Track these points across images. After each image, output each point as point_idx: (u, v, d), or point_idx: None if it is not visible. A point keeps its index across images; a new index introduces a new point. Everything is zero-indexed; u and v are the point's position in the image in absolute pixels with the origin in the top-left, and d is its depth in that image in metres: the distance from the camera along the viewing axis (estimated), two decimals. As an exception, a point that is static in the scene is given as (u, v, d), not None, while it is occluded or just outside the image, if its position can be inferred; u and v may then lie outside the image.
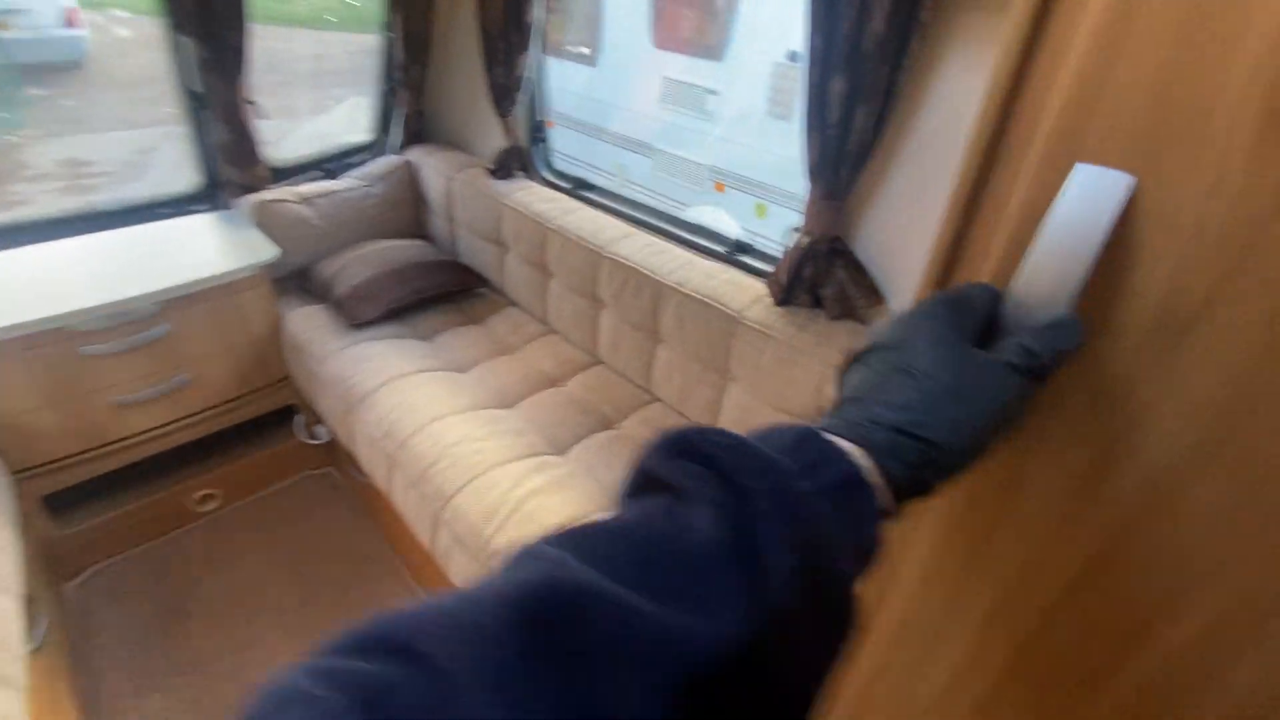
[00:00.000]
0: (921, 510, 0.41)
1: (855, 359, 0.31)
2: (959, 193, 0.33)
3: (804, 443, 0.25)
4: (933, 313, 0.30)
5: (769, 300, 1.19)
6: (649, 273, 1.35)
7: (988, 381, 0.27)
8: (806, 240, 1.10)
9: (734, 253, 1.40)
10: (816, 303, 1.14)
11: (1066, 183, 0.27)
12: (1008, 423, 0.28)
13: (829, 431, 0.26)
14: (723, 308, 1.22)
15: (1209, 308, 0.26)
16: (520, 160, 1.72)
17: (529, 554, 0.22)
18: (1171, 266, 0.26)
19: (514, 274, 1.72)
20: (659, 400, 1.45)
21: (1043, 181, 0.29)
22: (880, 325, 0.33)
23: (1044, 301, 0.28)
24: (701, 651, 0.19)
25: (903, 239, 1.01)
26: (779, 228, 1.21)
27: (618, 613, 0.19)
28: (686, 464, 0.24)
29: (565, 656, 0.18)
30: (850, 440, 0.26)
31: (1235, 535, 0.28)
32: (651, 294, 1.35)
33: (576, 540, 0.22)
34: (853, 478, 0.24)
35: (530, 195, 1.64)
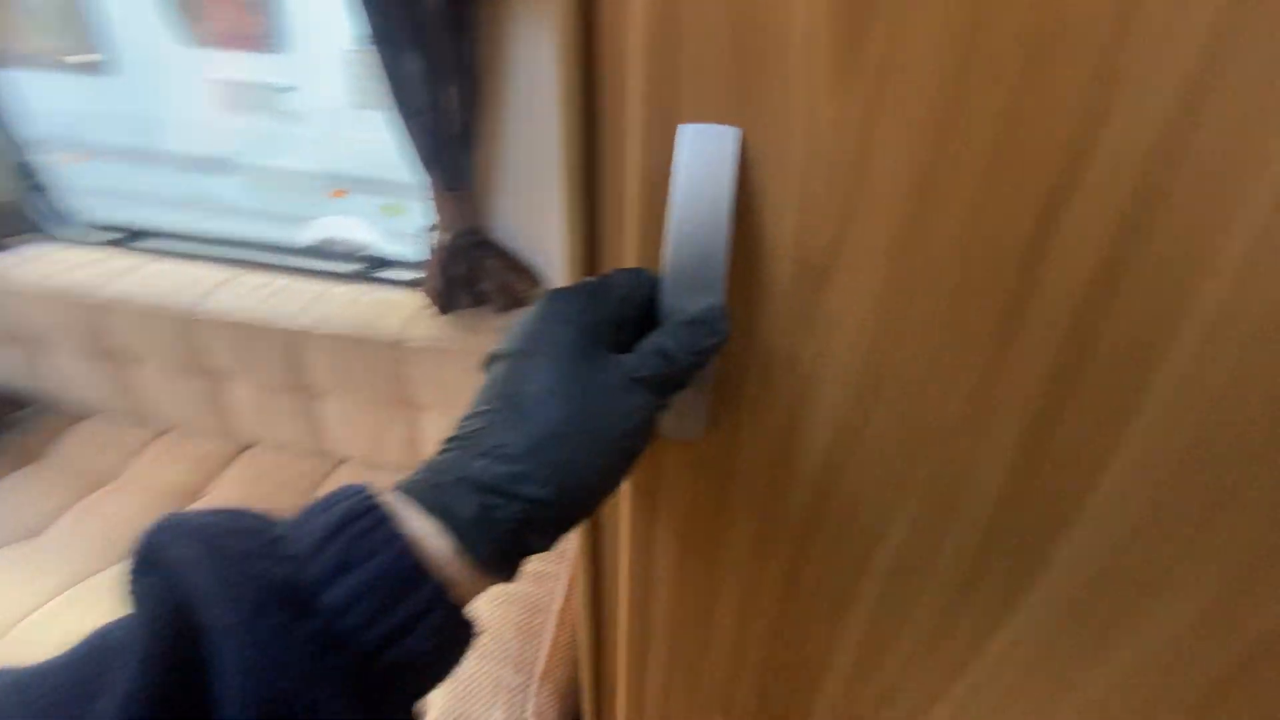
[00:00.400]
0: (656, 510, 0.37)
1: (489, 362, 0.26)
2: (569, 171, 0.27)
3: (348, 526, 0.20)
4: (563, 313, 0.24)
5: (432, 310, 1.07)
6: (268, 322, 1.09)
7: (614, 407, 0.23)
8: (447, 236, 1.00)
9: (373, 268, 1.22)
10: (482, 300, 1.06)
11: (676, 148, 0.23)
12: (638, 449, 0.24)
13: (410, 495, 0.22)
14: (380, 335, 1.06)
15: (837, 251, 0.25)
16: (16, 220, 1.22)
17: None
18: (795, 216, 0.24)
19: (70, 375, 1.24)
20: (347, 460, 1.23)
21: (653, 148, 0.24)
22: (514, 323, 0.27)
23: (695, 280, 0.24)
24: None
25: (544, 219, 0.98)
26: (419, 226, 1.09)
27: None
28: (143, 582, 0.19)
29: None
30: (430, 509, 0.21)
31: (910, 456, 0.29)
32: (284, 345, 1.10)
33: None
34: (403, 574, 0.20)
35: (53, 264, 1.18)
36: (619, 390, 0.23)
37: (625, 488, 0.36)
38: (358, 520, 0.20)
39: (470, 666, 0.57)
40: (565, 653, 0.62)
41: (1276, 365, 0.23)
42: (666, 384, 0.24)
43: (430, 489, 0.22)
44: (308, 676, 0.18)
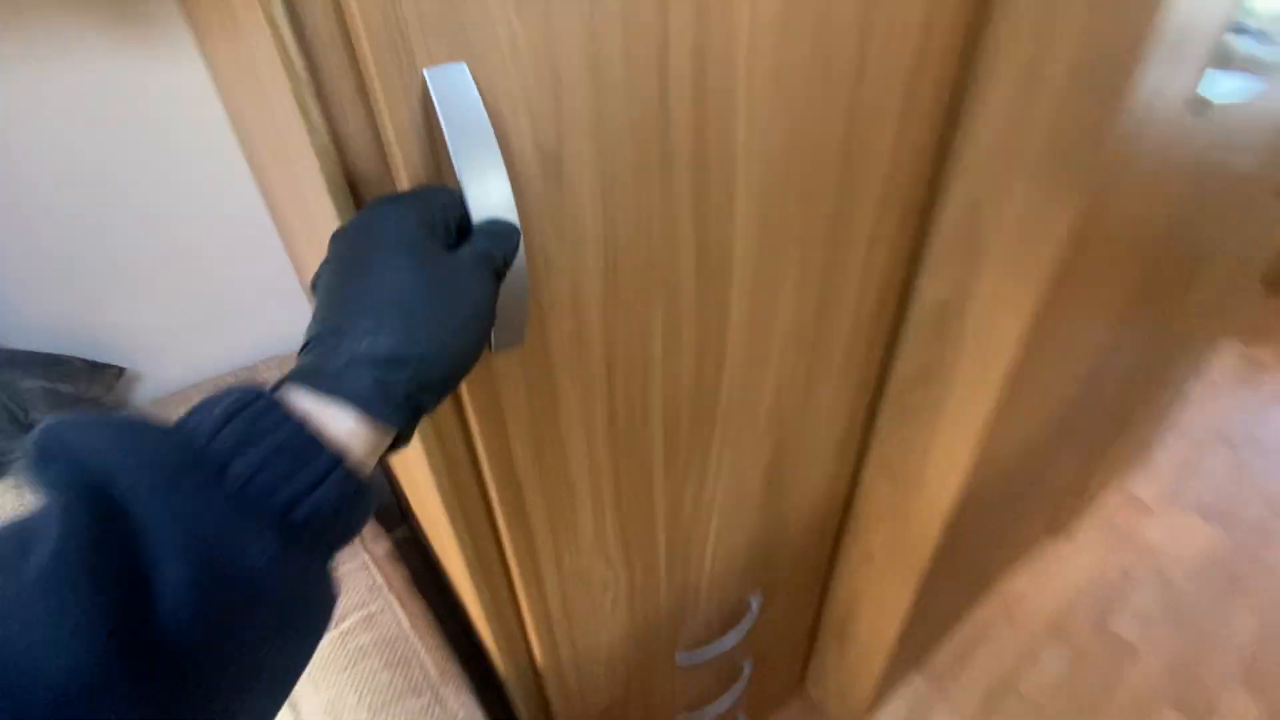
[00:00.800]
0: (504, 423, 0.42)
1: (323, 270, 0.27)
2: (321, 149, 0.28)
3: (241, 412, 0.21)
4: (398, 212, 0.27)
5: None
6: None
7: (469, 285, 0.28)
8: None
9: None
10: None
11: (431, 91, 0.27)
12: (491, 321, 0.30)
13: (298, 384, 0.23)
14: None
15: (561, 138, 0.33)
16: None
17: None
18: (528, 121, 0.31)
19: None
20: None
21: (398, 99, 0.28)
22: (338, 231, 0.28)
23: (490, 194, 0.30)
24: (33, 694, 0.16)
25: (98, 274, 0.75)
26: None
27: None
28: (53, 468, 0.19)
29: None
30: (326, 393, 0.23)
31: (644, 270, 0.42)
32: None
33: None
34: (301, 445, 0.22)
35: None
36: (468, 272, 0.27)
37: (470, 416, 0.39)
38: (249, 406, 0.22)
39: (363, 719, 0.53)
40: (440, 653, 0.62)
41: (805, 125, 0.41)
42: (497, 273, 0.29)
43: (323, 378, 0.24)
44: (233, 526, 0.20)
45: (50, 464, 0.19)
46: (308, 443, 0.22)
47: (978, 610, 1.42)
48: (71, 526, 0.17)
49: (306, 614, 0.22)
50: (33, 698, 0.16)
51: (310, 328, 0.26)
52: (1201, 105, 0.59)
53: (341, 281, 0.26)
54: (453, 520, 0.44)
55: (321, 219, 0.34)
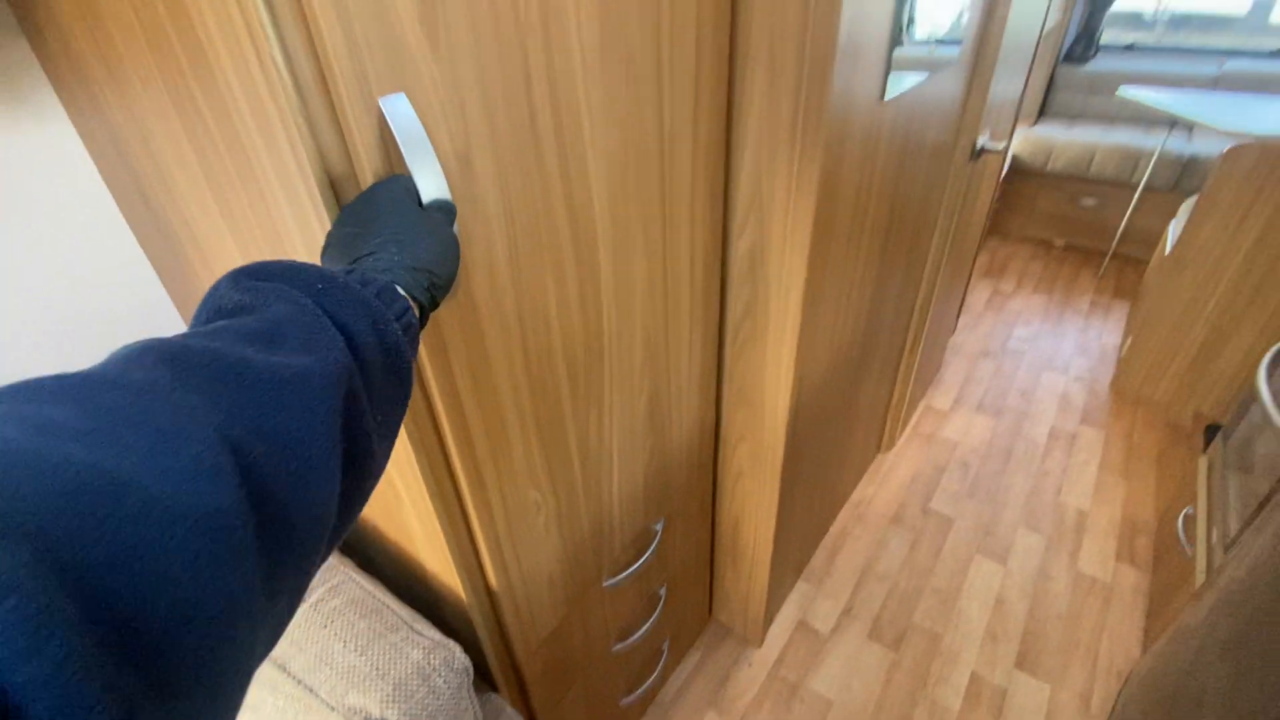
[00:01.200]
0: (450, 364, 0.54)
1: (334, 233, 0.40)
2: (313, 159, 0.40)
3: (353, 271, 0.34)
4: (397, 187, 0.41)
5: None
6: None
7: (444, 231, 0.42)
8: None
9: None
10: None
11: (386, 115, 0.40)
12: (459, 254, 0.44)
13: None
14: None
15: (468, 143, 0.47)
16: None
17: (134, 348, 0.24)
18: (446, 134, 0.46)
19: None
20: None
21: (364, 118, 0.41)
22: (346, 209, 0.41)
23: (433, 181, 0.43)
24: (331, 374, 0.27)
25: None
26: None
27: (261, 359, 0.25)
28: (257, 283, 0.30)
29: (215, 383, 0.23)
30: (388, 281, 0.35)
31: (538, 240, 0.57)
32: None
33: (178, 339, 0.25)
34: (391, 290, 0.34)
35: None
36: (442, 223, 0.42)
37: (423, 356, 0.52)
38: (354, 271, 0.34)
39: (352, 659, 0.62)
40: (402, 602, 0.71)
41: (620, 129, 0.58)
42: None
43: (378, 273, 0.36)
44: (384, 314, 0.32)
45: (253, 281, 0.29)
46: (394, 289, 0.34)
47: (838, 522, 1.71)
48: (298, 307, 0.29)
49: (409, 385, 0.34)
50: (314, 386, 0.26)
51: (340, 263, 0.38)
52: (884, 98, 0.86)
53: (362, 230, 0.38)
54: (416, 454, 0.56)
55: (296, 217, 0.45)
